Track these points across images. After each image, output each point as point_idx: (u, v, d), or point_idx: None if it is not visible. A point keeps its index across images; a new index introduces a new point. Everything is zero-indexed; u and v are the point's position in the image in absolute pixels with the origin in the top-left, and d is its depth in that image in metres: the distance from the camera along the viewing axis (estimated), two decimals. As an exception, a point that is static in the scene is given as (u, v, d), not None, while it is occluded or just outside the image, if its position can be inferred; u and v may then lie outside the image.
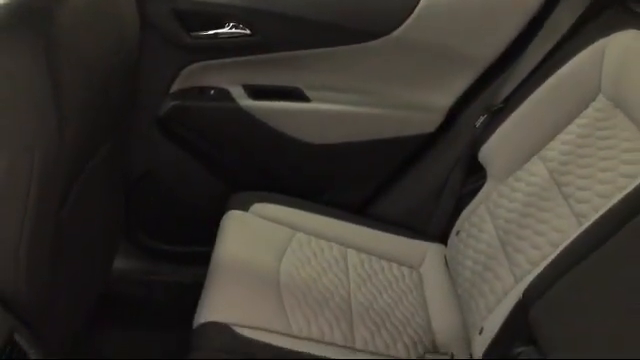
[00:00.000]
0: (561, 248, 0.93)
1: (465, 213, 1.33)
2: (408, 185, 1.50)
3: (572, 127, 1.16)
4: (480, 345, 1.04)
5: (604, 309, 0.81)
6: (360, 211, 1.53)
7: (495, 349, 1.00)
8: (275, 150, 1.48)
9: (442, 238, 1.43)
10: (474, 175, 1.41)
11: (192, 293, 1.21)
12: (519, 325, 0.94)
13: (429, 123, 1.43)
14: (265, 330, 1.06)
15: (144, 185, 1.55)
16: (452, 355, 1.08)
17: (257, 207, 1.38)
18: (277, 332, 1.07)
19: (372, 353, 1.10)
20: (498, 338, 1.00)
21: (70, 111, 0.86)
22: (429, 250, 1.41)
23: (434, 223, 1.47)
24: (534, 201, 1.14)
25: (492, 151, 1.30)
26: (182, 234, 1.63)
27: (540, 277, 0.93)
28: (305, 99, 1.43)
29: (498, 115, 1.31)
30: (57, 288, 1.03)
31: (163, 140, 1.48)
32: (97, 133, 1.07)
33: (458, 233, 1.33)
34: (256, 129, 1.44)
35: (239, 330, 1.03)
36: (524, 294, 0.94)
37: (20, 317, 0.90)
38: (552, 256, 0.95)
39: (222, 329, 1.04)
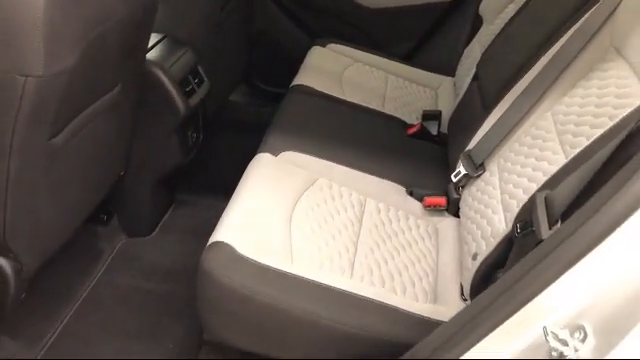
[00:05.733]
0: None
1: (466, 51, 2.01)
2: (436, 40, 2.19)
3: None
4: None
5: (508, 51, 1.49)
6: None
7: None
8: (345, 14, 2.21)
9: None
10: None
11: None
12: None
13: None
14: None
15: (258, 40, 2.33)
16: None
17: (332, 46, 2.13)
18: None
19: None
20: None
21: None
22: (445, 81, 2.10)
23: (452, 65, 2.15)
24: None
25: (486, 3, 1.96)
26: (280, 78, 2.40)
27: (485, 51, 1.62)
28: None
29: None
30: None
31: (272, 5, 2.25)
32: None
33: (460, 62, 2.01)
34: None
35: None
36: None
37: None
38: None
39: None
